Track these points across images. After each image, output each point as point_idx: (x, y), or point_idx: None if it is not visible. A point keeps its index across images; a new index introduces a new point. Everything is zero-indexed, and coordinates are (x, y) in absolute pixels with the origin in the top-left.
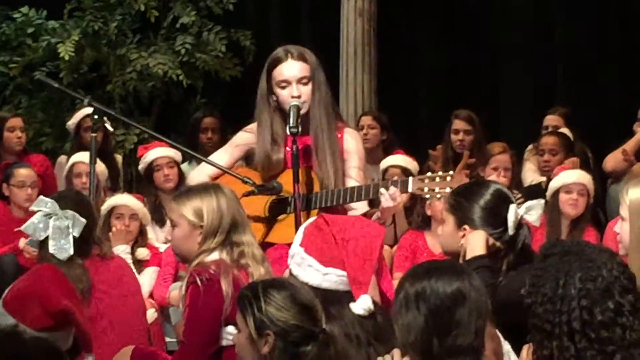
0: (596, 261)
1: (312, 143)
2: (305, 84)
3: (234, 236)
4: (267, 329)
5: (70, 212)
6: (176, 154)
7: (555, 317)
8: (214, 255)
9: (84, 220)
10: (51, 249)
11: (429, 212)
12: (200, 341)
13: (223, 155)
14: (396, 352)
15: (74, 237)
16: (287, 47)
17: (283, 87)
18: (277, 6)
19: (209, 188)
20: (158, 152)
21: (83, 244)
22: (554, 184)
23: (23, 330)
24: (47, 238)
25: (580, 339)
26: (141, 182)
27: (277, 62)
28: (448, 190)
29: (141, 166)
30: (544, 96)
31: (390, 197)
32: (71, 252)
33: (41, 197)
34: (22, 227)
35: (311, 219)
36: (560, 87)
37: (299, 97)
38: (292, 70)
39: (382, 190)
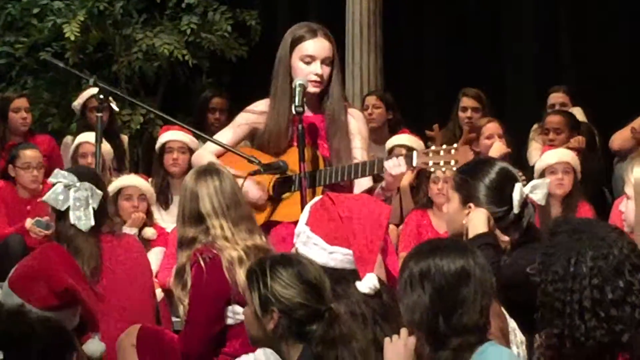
0: (607, 239)
1: (327, 121)
2: (328, 64)
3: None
4: (272, 306)
5: (87, 184)
6: (191, 141)
7: (567, 296)
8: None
9: (100, 193)
10: (72, 220)
11: (430, 194)
12: (205, 320)
13: (226, 135)
14: (403, 332)
15: (93, 208)
16: (310, 24)
17: (307, 63)
18: None
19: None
20: (171, 135)
21: (100, 217)
22: (538, 167)
23: (29, 310)
24: (67, 210)
25: (590, 318)
26: (151, 163)
27: (306, 37)
28: (452, 163)
29: (157, 146)
30: (550, 75)
31: (396, 164)
32: (92, 223)
33: (57, 169)
34: (44, 198)
35: (317, 198)
36: (566, 65)
37: (321, 75)
38: (320, 48)
39: (386, 162)
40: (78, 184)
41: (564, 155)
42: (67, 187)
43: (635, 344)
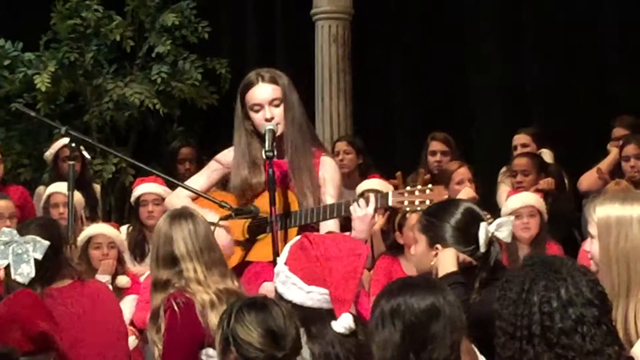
0: (562, 272)
1: (289, 163)
2: (277, 105)
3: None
4: (231, 346)
5: (29, 237)
6: (165, 192)
7: (517, 320)
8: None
9: (46, 242)
10: (13, 275)
11: (400, 241)
12: None
13: (199, 181)
14: None
15: (36, 260)
16: (259, 70)
17: (256, 111)
18: (252, 34)
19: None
20: (145, 188)
21: (49, 266)
22: (503, 212)
23: (18, 356)
24: (9, 266)
25: (539, 342)
26: (123, 211)
27: (249, 86)
28: (427, 202)
29: (132, 199)
30: (518, 118)
31: (361, 206)
32: (32, 275)
33: (3, 228)
34: None
35: (296, 238)
36: (534, 109)
37: (271, 119)
38: (263, 94)
39: (352, 206)
40: (17, 239)
41: (527, 198)
42: (7, 244)
43: None
